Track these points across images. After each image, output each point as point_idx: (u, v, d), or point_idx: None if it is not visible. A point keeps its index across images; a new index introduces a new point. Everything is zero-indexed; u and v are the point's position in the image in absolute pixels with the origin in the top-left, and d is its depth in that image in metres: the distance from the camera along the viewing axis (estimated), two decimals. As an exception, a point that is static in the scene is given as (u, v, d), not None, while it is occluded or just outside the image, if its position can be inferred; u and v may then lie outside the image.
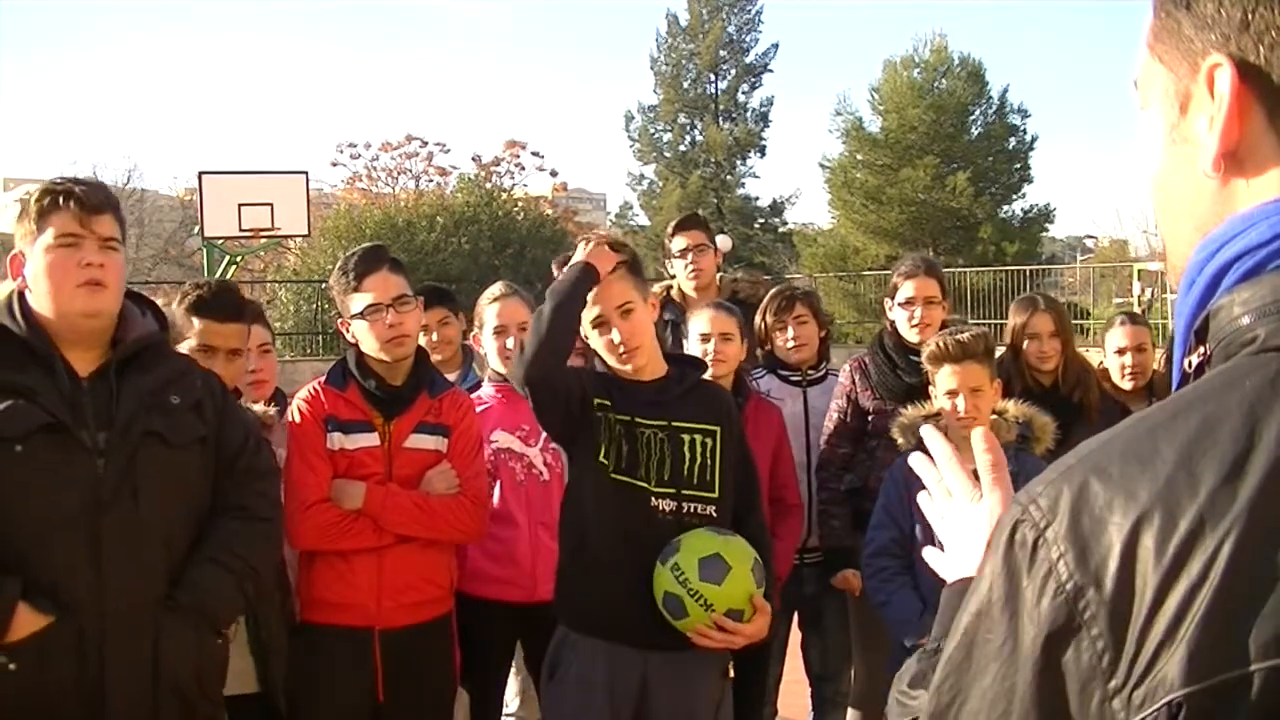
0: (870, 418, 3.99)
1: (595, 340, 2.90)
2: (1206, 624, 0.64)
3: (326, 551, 3.11)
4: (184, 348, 3.02)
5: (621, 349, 2.84)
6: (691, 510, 2.82)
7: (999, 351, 4.18)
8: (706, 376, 3.15)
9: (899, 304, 4.02)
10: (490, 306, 3.75)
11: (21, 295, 2.46)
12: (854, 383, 4.03)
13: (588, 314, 2.86)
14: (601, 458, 2.81)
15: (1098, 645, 0.68)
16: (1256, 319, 0.73)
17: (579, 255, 2.87)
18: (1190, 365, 0.79)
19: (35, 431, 2.33)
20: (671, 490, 2.82)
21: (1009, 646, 0.72)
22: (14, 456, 2.31)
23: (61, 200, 2.43)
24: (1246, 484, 0.66)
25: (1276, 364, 0.70)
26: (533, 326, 2.78)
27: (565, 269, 2.86)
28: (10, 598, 2.26)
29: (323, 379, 3.24)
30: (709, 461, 2.87)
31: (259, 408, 3.29)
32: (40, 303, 2.43)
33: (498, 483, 3.55)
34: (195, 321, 3.07)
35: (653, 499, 2.80)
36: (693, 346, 3.68)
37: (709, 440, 2.88)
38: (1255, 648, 0.64)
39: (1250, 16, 0.76)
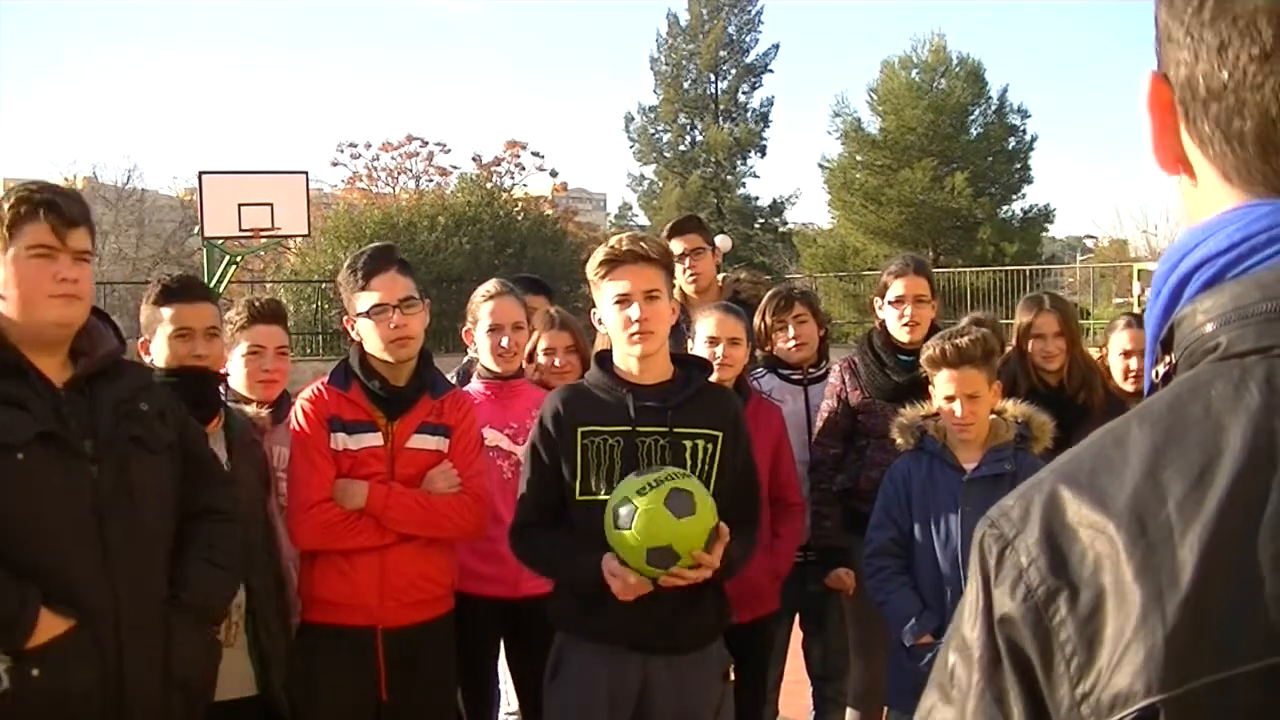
0: (860, 417, 4.00)
1: (612, 317, 2.87)
2: (1177, 631, 0.65)
3: (329, 551, 3.12)
4: (160, 338, 3.05)
5: (636, 327, 2.83)
6: None
7: (1006, 350, 4.19)
8: (713, 379, 3.14)
9: (889, 303, 4.03)
10: (485, 304, 3.74)
11: None
12: (844, 382, 4.04)
13: (611, 291, 2.85)
14: (582, 490, 2.84)
15: (1066, 650, 0.68)
16: (1219, 327, 0.73)
17: (609, 574, 2.75)
18: (1157, 375, 0.80)
19: (33, 440, 2.33)
20: None
21: (977, 650, 0.72)
22: (17, 465, 2.30)
23: (41, 212, 2.39)
24: (1213, 492, 0.67)
25: (1239, 371, 0.71)
26: (537, 566, 3.04)
27: (582, 568, 2.81)
28: (34, 603, 2.28)
29: (325, 379, 3.25)
30: (708, 468, 2.87)
31: (250, 410, 3.30)
32: (10, 311, 2.39)
33: (487, 480, 3.55)
34: (165, 310, 3.07)
35: None
36: (699, 349, 3.67)
37: (710, 446, 2.88)
38: (1230, 653, 0.64)
39: (1171, 29, 0.78)
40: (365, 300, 3.15)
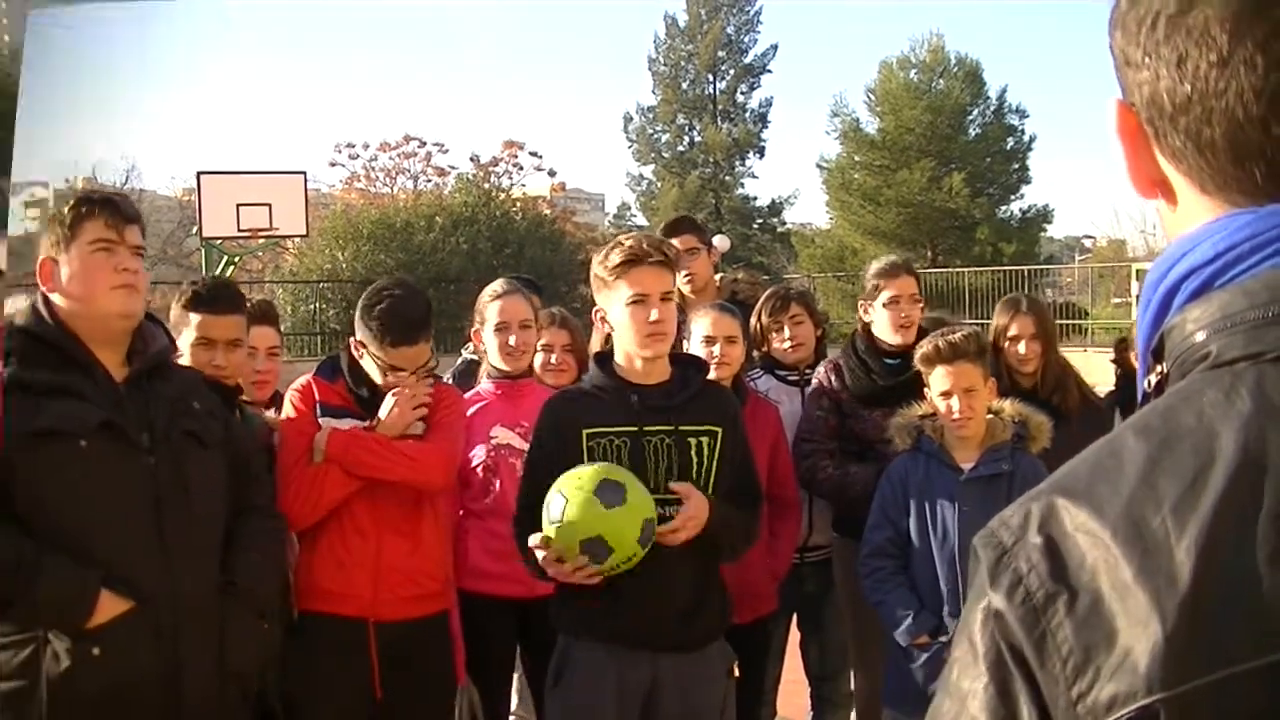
0: (846, 421, 3.98)
1: (626, 317, 2.84)
2: (1176, 631, 0.65)
3: (323, 516, 3.14)
4: (184, 342, 3.15)
5: (654, 329, 2.83)
6: None
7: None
8: (709, 377, 3.15)
9: (883, 304, 4.02)
10: (493, 304, 3.75)
11: (48, 301, 2.57)
12: (830, 384, 4.03)
13: (627, 291, 2.83)
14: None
15: (1063, 651, 0.69)
16: (1209, 335, 0.74)
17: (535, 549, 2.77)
18: (1150, 385, 0.81)
19: (95, 429, 2.44)
20: (675, 495, 2.82)
21: (980, 650, 0.73)
22: (79, 451, 2.41)
23: (98, 208, 2.57)
24: (1207, 495, 0.68)
25: (1230, 378, 0.72)
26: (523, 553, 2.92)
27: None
28: (95, 583, 2.39)
29: (313, 374, 3.32)
30: (710, 463, 2.89)
31: (270, 414, 3.39)
32: (74, 306, 2.54)
33: (499, 479, 3.58)
34: (193, 316, 3.18)
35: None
36: (695, 348, 3.67)
37: (711, 441, 2.90)
38: (1229, 653, 0.64)
39: (1128, 53, 0.79)
40: (389, 357, 3.15)
